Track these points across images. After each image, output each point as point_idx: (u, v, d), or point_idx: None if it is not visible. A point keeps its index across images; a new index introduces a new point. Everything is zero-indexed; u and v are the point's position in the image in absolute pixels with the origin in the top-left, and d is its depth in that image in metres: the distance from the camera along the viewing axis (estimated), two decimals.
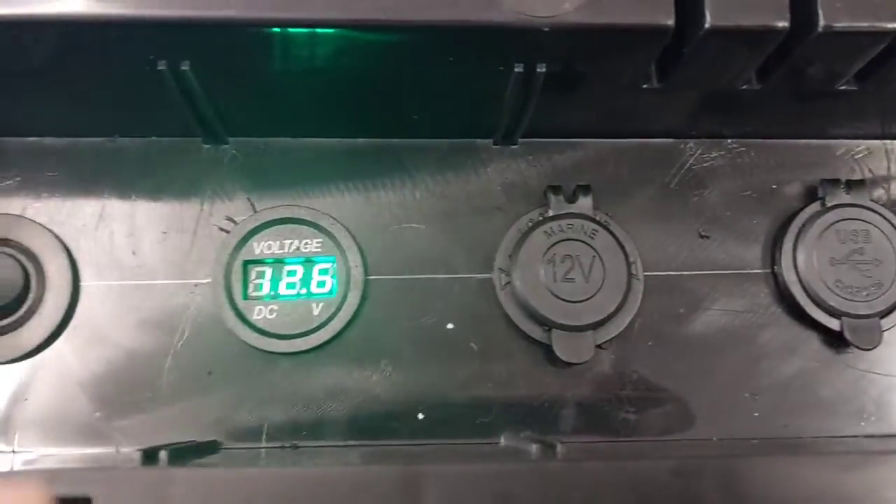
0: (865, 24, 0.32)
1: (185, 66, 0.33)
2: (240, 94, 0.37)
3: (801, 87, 0.36)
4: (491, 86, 0.35)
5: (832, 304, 0.39)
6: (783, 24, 0.31)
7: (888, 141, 0.43)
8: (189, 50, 0.33)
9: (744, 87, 0.37)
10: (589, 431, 0.39)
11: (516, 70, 0.34)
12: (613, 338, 0.39)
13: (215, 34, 0.32)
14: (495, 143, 0.42)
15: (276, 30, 0.31)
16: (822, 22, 0.32)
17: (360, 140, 0.41)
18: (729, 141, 0.42)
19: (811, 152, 0.42)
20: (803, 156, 0.42)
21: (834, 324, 0.39)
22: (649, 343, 0.40)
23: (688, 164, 0.42)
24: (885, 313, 0.40)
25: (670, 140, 0.42)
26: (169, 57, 0.33)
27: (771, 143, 0.42)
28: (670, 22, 0.31)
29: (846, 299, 0.39)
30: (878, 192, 0.42)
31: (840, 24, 0.32)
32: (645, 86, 0.36)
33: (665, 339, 0.40)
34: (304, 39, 0.32)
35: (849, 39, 0.32)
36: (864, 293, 0.39)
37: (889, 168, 0.43)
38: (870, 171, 0.42)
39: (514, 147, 0.42)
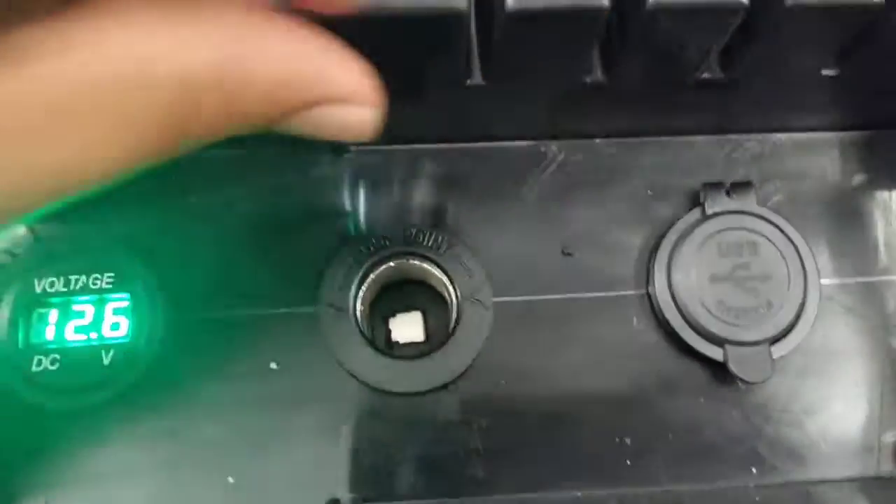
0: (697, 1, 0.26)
1: None
2: None
3: (652, 76, 0.31)
4: None
5: (713, 329, 0.33)
6: (601, 2, 0.26)
7: (782, 135, 0.37)
8: None
9: (587, 80, 0.31)
10: (433, 491, 0.33)
11: None
12: (459, 376, 0.33)
13: None
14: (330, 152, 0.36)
15: None
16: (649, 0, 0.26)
17: None
18: (597, 140, 0.36)
19: (692, 151, 0.36)
20: (683, 155, 0.36)
21: (717, 353, 0.34)
22: (502, 381, 0.34)
23: (549, 170, 0.36)
24: (776, 339, 0.34)
25: (528, 142, 0.36)
26: None
27: (646, 142, 0.36)
28: (461, 4, 0.25)
29: (729, 324, 0.33)
30: (771, 196, 0.36)
31: (670, 1, 0.26)
32: (469, 82, 0.31)
33: (521, 376, 0.34)
34: None
35: (687, 17, 0.26)
36: (751, 315, 0.34)
37: (784, 166, 0.37)
38: (761, 170, 0.36)
39: (348, 154, 0.36)
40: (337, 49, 0.19)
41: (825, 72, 0.31)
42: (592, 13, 0.26)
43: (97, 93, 0.16)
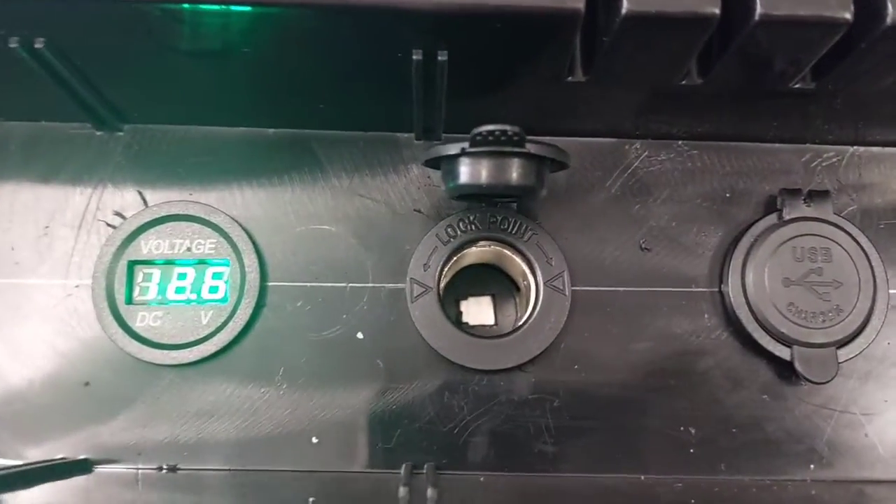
0: (809, 14, 0.27)
1: (39, 45, 0.30)
2: (121, 76, 0.33)
3: (747, 83, 0.32)
4: (395, 74, 0.31)
5: (783, 330, 0.35)
6: (713, 10, 0.27)
7: (860, 147, 0.38)
8: (43, 26, 0.29)
9: (683, 82, 0.32)
10: (505, 465, 0.35)
11: (415, 57, 0.30)
12: (535, 357, 0.35)
13: (69, 9, 0.28)
14: (418, 138, 0.37)
15: (134, 5, 0.28)
16: (759, 9, 0.27)
17: (270, 130, 0.37)
18: (679, 142, 0.38)
19: (772, 157, 0.38)
20: (763, 161, 0.38)
21: (784, 352, 0.35)
22: (575, 366, 0.36)
23: (632, 168, 0.37)
24: (842, 343, 0.35)
25: (613, 140, 0.37)
26: (20, 33, 0.29)
27: (727, 146, 0.38)
28: (579, 5, 0.27)
29: (799, 325, 0.35)
30: (846, 206, 0.37)
31: (780, 13, 0.27)
32: (570, 79, 0.32)
33: (594, 362, 0.36)
34: (170, 16, 0.28)
35: (791, 30, 0.28)
36: (821, 319, 0.35)
37: (860, 178, 0.38)
38: (838, 180, 0.38)
39: (438, 142, 0.37)
40: None
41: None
42: (704, 19, 0.27)
43: None
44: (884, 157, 0.38)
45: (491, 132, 0.29)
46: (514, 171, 0.31)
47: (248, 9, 0.28)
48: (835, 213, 0.36)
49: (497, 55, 0.30)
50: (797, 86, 0.32)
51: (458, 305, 0.39)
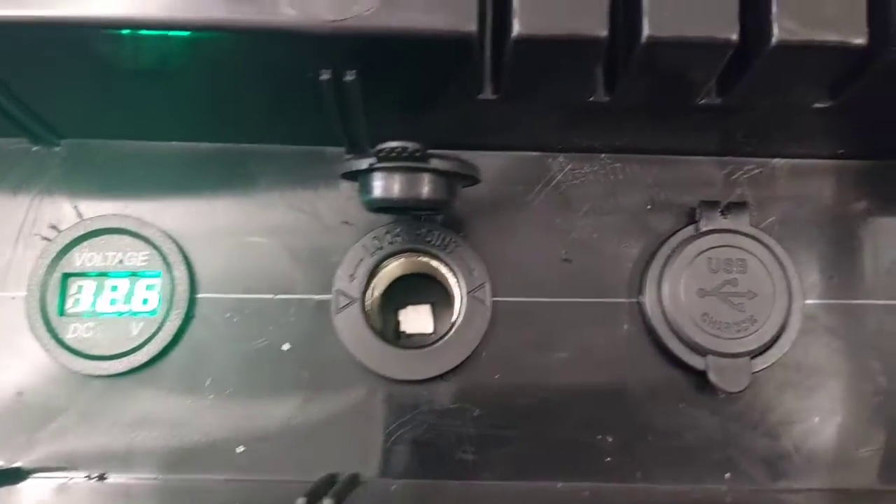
0: (695, 35, 0.28)
1: None
2: (54, 94, 0.34)
3: (652, 99, 0.33)
4: (312, 92, 0.32)
5: (697, 340, 0.35)
6: (600, 33, 0.28)
7: (780, 160, 0.38)
8: None
9: (591, 99, 0.33)
10: (425, 472, 0.36)
11: (323, 77, 0.31)
12: (457, 367, 0.36)
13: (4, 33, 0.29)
14: (347, 152, 0.38)
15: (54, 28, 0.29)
16: (646, 31, 0.28)
17: (204, 144, 0.38)
18: (602, 155, 0.38)
19: (694, 169, 0.38)
20: (684, 173, 0.38)
21: (699, 362, 0.36)
22: (496, 376, 0.36)
23: (555, 181, 0.38)
24: (757, 353, 0.36)
25: (537, 153, 0.38)
26: None
27: (649, 159, 0.38)
28: (472, 29, 0.28)
29: (713, 336, 0.36)
30: (766, 217, 0.38)
31: (666, 34, 0.28)
32: (480, 97, 0.33)
33: (514, 371, 0.36)
34: (107, 40, 0.29)
35: (680, 50, 0.28)
36: (735, 329, 0.36)
37: (781, 189, 0.38)
38: (759, 192, 0.38)
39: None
40: None
41: (818, 104, 0.33)
42: (591, 41, 0.28)
43: None
44: (804, 168, 0.39)
45: (392, 149, 0.30)
46: (425, 186, 0.32)
47: (175, 33, 0.29)
48: (752, 225, 0.37)
49: (404, 75, 0.31)
50: (704, 101, 0.33)
51: (397, 315, 0.40)
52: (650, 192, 0.38)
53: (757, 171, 0.39)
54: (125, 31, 0.28)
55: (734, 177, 0.38)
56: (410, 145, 0.30)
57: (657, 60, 0.29)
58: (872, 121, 0.35)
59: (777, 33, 0.28)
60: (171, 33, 0.28)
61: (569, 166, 0.38)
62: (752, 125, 0.36)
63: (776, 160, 0.39)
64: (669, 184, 0.38)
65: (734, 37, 0.28)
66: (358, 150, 0.38)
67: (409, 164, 0.31)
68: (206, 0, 0.28)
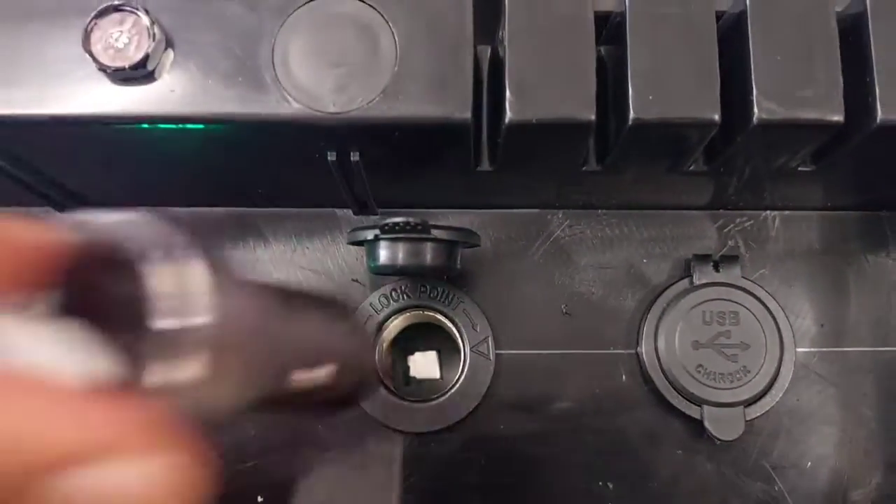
0: (679, 116, 0.29)
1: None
2: (77, 172, 0.37)
3: (643, 168, 0.34)
4: (320, 167, 0.34)
5: (693, 390, 0.37)
6: (588, 117, 0.29)
7: (772, 212, 0.40)
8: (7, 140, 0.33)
9: (584, 168, 0.35)
10: None
11: (330, 158, 0.33)
12: (463, 419, 0.38)
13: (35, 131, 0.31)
14: (355, 213, 0.40)
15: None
16: (632, 115, 0.29)
17: (218, 209, 0.40)
18: (600, 211, 0.40)
19: (687, 223, 0.40)
20: (678, 227, 0.40)
21: (695, 411, 0.37)
22: (501, 426, 0.38)
23: (554, 236, 0.40)
24: (750, 402, 0.37)
25: (536, 210, 0.40)
26: None
27: (644, 214, 0.40)
28: (466, 115, 0.30)
29: (708, 386, 0.37)
30: (759, 268, 0.40)
31: (651, 117, 0.29)
32: (479, 168, 0.35)
33: (518, 421, 0.38)
34: (128, 134, 0.31)
35: (664, 130, 0.30)
36: (729, 380, 0.37)
37: (773, 241, 0.40)
38: (751, 244, 0.40)
39: (375, 217, 0.40)
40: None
41: (802, 168, 0.34)
42: (581, 125, 0.30)
43: None
44: (795, 220, 0.40)
45: (396, 223, 0.32)
46: (427, 254, 0.34)
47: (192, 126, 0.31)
48: (744, 277, 0.38)
49: (405, 154, 0.33)
50: (692, 168, 0.35)
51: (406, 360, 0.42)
52: (646, 246, 0.40)
53: (749, 223, 0.40)
54: (145, 126, 0.30)
55: (727, 229, 0.40)
56: (412, 220, 0.32)
57: (644, 139, 0.31)
58: (856, 180, 0.37)
59: (757, 113, 0.29)
60: (188, 126, 0.30)
61: (567, 222, 0.40)
62: (741, 184, 0.37)
63: (767, 212, 0.40)
64: (664, 237, 0.40)
65: (716, 117, 0.29)
66: (366, 211, 0.40)
67: (414, 235, 0.33)
68: (219, 96, 0.30)
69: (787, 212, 0.40)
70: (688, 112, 0.30)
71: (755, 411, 0.37)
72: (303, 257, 0.40)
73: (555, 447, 0.38)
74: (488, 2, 0.31)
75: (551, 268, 0.40)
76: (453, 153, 0.33)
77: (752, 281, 0.39)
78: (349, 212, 0.40)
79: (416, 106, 0.30)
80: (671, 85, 0.30)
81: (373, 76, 0.30)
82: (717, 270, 0.38)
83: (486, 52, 0.35)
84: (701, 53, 0.30)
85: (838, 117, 0.30)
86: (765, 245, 0.40)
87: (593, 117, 0.29)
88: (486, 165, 0.34)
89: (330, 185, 0.37)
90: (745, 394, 0.37)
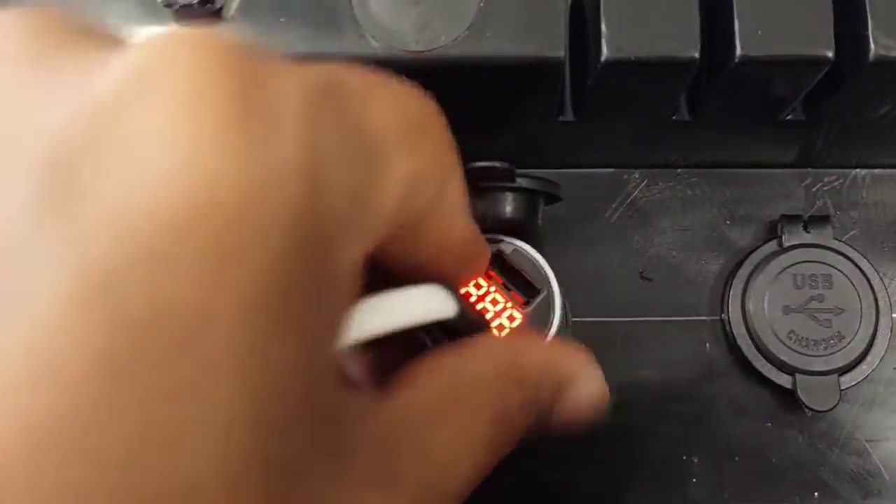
0: (790, 52, 0.27)
1: None
2: None
3: (736, 118, 0.32)
4: None
5: (784, 358, 0.35)
6: (692, 55, 0.27)
7: (862, 170, 0.38)
8: None
9: (673, 117, 0.32)
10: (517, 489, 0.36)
11: None
12: None
13: None
14: None
15: None
16: (738, 51, 0.27)
17: None
18: (678, 171, 0.38)
19: (772, 183, 0.38)
20: (763, 187, 0.38)
21: (786, 381, 0.35)
22: None
23: (631, 197, 0.38)
24: (844, 370, 0.35)
25: (611, 170, 0.38)
26: None
27: (726, 173, 0.38)
28: (559, 53, 0.27)
29: (800, 353, 0.35)
30: (849, 229, 0.37)
31: (760, 53, 0.27)
32: (560, 118, 0.33)
33: None
34: None
35: (773, 69, 0.28)
36: (822, 346, 0.35)
37: (863, 200, 0.38)
38: (840, 204, 0.38)
39: None
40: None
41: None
42: (683, 63, 0.27)
43: None
44: (887, 178, 0.38)
45: (482, 168, 0.30)
46: (508, 205, 0.32)
47: None
48: (836, 238, 0.36)
49: (485, 100, 0.31)
50: (788, 117, 0.32)
51: None
52: (729, 207, 0.38)
53: (838, 181, 0.38)
54: None
55: (814, 189, 0.38)
56: (499, 165, 0.30)
57: (747, 79, 0.29)
58: None
59: (874, 49, 0.27)
60: None
61: (644, 182, 0.38)
62: (836, 136, 0.35)
63: (857, 170, 0.38)
64: (748, 198, 0.38)
65: (830, 54, 0.27)
66: None
67: (497, 183, 0.31)
68: (293, 35, 0.28)
69: (878, 170, 0.38)
70: (799, 48, 0.27)
71: (849, 380, 0.35)
72: None
73: (635, 419, 0.36)
74: None
75: (628, 231, 0.37)
76: (539, 98, 0.31)
77: (844, 243, 0.36)
78: None
79: (505, 43, 0.28)
80: (781, 19, 0.27)
81: (457, 12, 0.28)
82: (808, 231, 0.36)
83: None
84: None
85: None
86: (855, 205, 0.38)
87: (697, 55, 0.27)
88: (569, 115, 0.32)
89: None
90: (840, 361, 0.35)
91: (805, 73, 0.28)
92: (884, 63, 0.28)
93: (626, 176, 0.38)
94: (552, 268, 0.35)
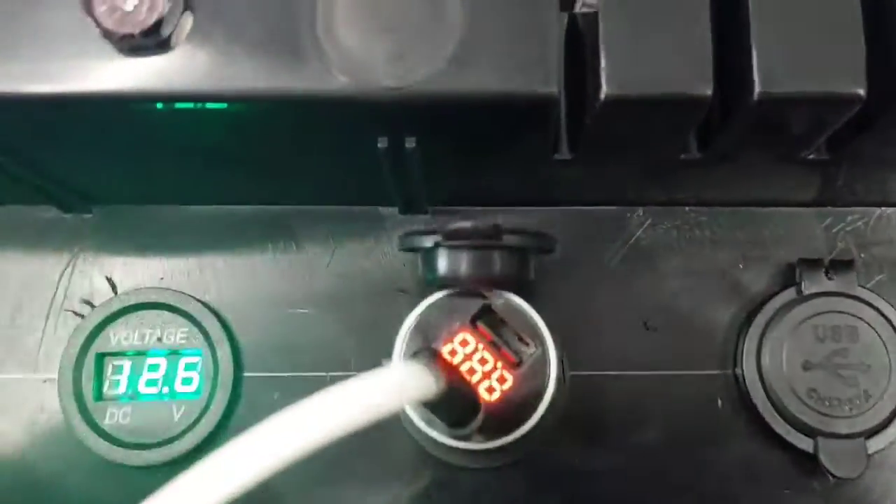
0: (816, 90, 0.24)
1: None
2: (83, 163, 0.31)
3: (753, 156, 0.29)
4: (368, 157, 0.29)
5: (804, 419, 0.31)
6: (705, 92, 0.24)
7: (888, 208, 0.34)
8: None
9: (682, 156, 0.29)
10: None
11: (380, 146, 0.27)
12: (532, 451, 0.32)
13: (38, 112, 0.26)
14: (401, 212, 0.35)
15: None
16: (758, 88, 0.24)
17: (245, 208, 0.35)
18: (686, 208, 0.34)
19: (789, 222, 0.34)
20: (779, 227, 0.34)
21: (807, 444, 0.32)
22: (575, 460, 0.33)
23: (634, 237, 0.34)
24: (872, 432, 0.31)
25: (613, 207, 0.34)
26: None
27: (739, 212, 0.34)
28: (552, 89, 0.24)
29: (822, 414, 0.31)
30: (874, 275, 0.34)
31: (779, 91, 0.24)
32: (556, 157, 0.29)
33: (595, 454, 0.33)
34: (143, 116, 0.26)
35: (795, 108, 0.24)
36: (847, 407, 0.31)
37: (889, 242, 0.34)
38: (864, 246, 0.34)
39: (424, 216, 0.35)
40: None
41: None
42: (694, 101, 0.24)
43: None
44: None
45: (462, 229, 0.27)
46: (496, 264, 0.28)
47: (217, 106, 0.26)
48: (860, 286, 0.33)
49: (470, 139, 0.27)
50: (811, 157, 0.29)
51: None
52: (742, 249, 0.34)
53: (861, 221, 0.34)
54: (159, 106, 0.25)
55: (835, 229, 0.34)
56: (482, 225, 0.27)
57: (766, 118, 0.25)
58: None
59: None
60: (209, 106, 0.25)
61: (648, 221, 0.34)
62: (860, 173, 0.32)
63: (882, 209, 0.34)
64: (762, 239, 0.34)
65: (862, 91, 0.24)
66: (414, 209, 0.35)
67: (479, 242, 0.27)
68: (248, 68, 0.24)
69: None
70: (826, 86, 0.24)
71: (878, 443, 0.32)
72: (341, 263, 0.34)
73: (637, 486, 0.33)
74: None
75: (631, 275, 0.34)
76: (530, 138, 0.27)
77: (870, 290, 0.33)
78: (395, 210, 0.35)
79: (490, 78, 0.24)
80: (805, 51, 0.24)
81: (436, 42, 0.24)
82: (829, 278, 0.33)
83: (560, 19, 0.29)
84: (842, 13, 0.24)
85: None
86: (880, 247, 0.34)
87: (710, 92, 0.24)
88: (565, 153, 0.29)
89: (374, 181, 0.31)
90: (868, 423, 0.31)
91: (832, 112, 0.25)
92: None
93: (628, 215, 0.34)
94: (547, 320, 0.31)
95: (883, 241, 0.34)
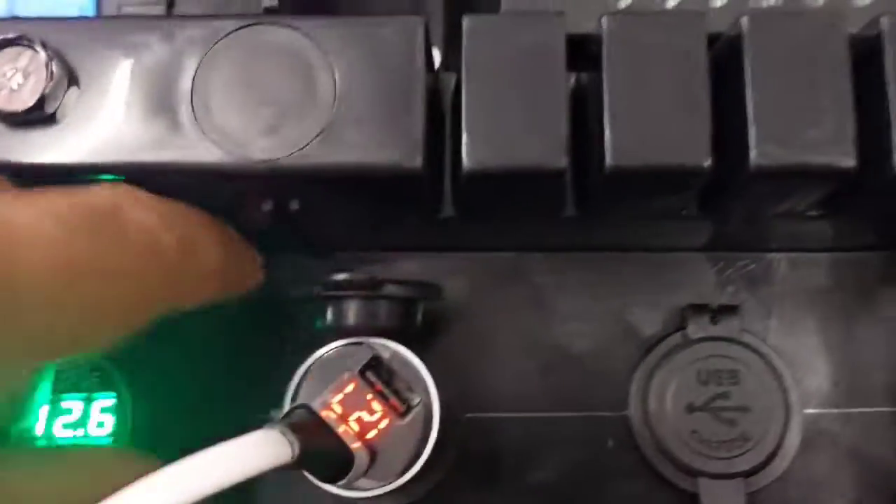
0: (662, 162, 0.25)
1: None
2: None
3: (628, 215, 0.30)
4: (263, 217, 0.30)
5: (686, 460, 0.33)
6: (558, 165, 0.25)
7: (777, 254, 0.36)
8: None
9: (559, 215, 0.30)
10: None
11: (265, 208, 0.28)
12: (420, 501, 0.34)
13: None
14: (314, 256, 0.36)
15: None
16: (609, 161, 0.25)
17: None
18: (581, 253, 0.36)
19: (681, 267, 0.36)
20: (671, 272, 0.36)
21: (690, 484, 0.33)
22: (471, 499, 0.34)
23: (531, 282, 0.36)
24: (752, 471, 0.33)
25: (510, 253, 0.36)
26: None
27: (632, 257, 0.36)
28: (416, 164, 0.25)
29: (703, 455, 0.33)
30: (763, 318, 0.35)
31: (629, 164, 0.25)
32: (441, 216, 0.31)
33: (490, 495, 0.34)
34: None
35: (640, 180, 0.26)
36: (727, 448, 0.33)
37: (778, 286, 0.35)
38: (754, 290, 0.35)
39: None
40: None
41: (810, 213, 0.30)
42: (550, 173, 0.25)
43: None
44: (805, 262, 0.36)
45: (339, 280, 0.28)
46: (379, 314, 0.30)
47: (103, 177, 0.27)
48: (745, 330, 0.34)
49: (352, 202, 0.29)
50: (684, 212, 0.30)
51: None
52: (635, 293, 0.35)
53: (751, 266, 0.36)
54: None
55: (727, 273, 0.36)
56: (359, 276, 0.28)
57: (624, 186, 0.27)
58: (875, 222, 0.32)
59: (754, 159, 0.25)
60: (97, 178, 0.26)
61: (545, 266, 0.36)
62: (740, 227, 0.33)
63: (772, 254, 0.36)
64: (656, 283, 0.36)
65: (706, 163, 0.25)
66: (323, 255, 0.36)
67: (361, 293, 0.29)
68: (131, 141, 0.26)
69: (794, 253, 0.36)
70: (672, 158, 0.25)
71: (758, 482, 0.33)
72: None
73: None
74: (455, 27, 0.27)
75: (527, 319, 0.35)
76: (408, 201, 0.28)
77: (753, 335, 0.34)
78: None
79: (359, 151, 0.25)
80: (658, 124, 0.25)
81: (308, 117, 0.26)
82: (715, 322, 0.34)
83: (452, 79, 0.30)
84: (691, 89, 0.25)
85: (850, 163, 0.25)
86: (770, 291, 0.35)
87: (564, 164, 0.25)
88: (448, 211, 0.30)
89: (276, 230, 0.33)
90: (746, 464, 0.33)
91: (683, 182, 0.26)
92: (768, 173, 0.25)
93: (525, 259, 0.36)
94: (440, 363, 0.33)
95: (772, 286, 0.36)
